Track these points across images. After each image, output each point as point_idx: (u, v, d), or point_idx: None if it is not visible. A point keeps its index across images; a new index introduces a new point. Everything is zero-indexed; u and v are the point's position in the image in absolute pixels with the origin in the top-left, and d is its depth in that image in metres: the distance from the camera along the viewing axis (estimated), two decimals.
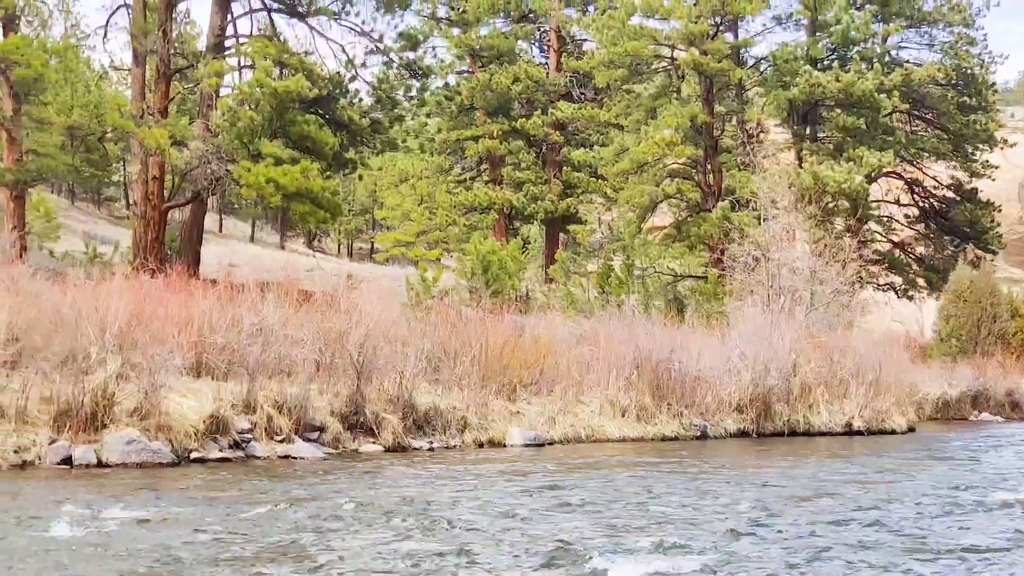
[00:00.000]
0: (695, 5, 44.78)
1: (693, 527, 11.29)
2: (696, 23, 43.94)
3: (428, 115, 57.59)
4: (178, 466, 15.43)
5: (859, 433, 25.91)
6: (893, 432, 26.80)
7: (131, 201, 45.57)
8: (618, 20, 45.88)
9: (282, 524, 10.93)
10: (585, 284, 39.85)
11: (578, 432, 21.93)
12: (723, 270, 38.52)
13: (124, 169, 64.69)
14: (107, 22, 39.35)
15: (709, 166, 46.45)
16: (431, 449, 19.10)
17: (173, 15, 37.56)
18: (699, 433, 23.46)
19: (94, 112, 36.25)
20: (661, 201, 48.08)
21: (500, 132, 55.69)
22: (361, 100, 40.66)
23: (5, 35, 33.71)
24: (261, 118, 34.44)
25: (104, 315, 16.73)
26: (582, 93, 54.53)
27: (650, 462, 18.30)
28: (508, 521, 11.54)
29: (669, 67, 47.88)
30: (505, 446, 20.35)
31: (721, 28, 46.53)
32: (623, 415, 22.88)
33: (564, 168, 55.56)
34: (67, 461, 14.86)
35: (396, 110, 43.55)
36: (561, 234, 56.74)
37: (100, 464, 14.97)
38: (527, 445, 20.42)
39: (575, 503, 12.98)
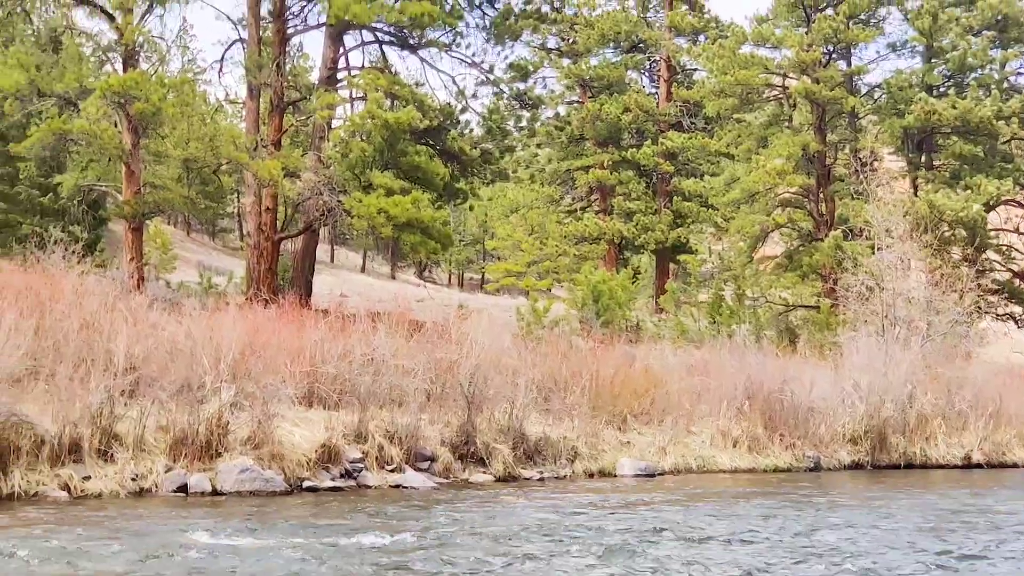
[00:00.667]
0: (807, 33, 44.40)
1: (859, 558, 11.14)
2: (808, 51, 43.52)
3: (538, 145, 57.71)
4: (290, 495, 15.55)
5: (978, 466, 25.32)
6: (1015, 466, 26.14)
7: (245, 232, 46.25)
8: (728, 49, 45.62)
9: (404, 551, 10.95)
10: (696, 314, 39.54)
11: (689, 463, 21.73)
12: (836, 300, 37.96)
13: (238, 200, 65.57)
14: (222, 57, 40.05)
15: (821, 195, 45.88)
16: (541, 479, 19.05)
17: (287, 49, 38.06)
18: (812, 464, 23.09)
19: (209, 145, 36.68)
20: (772, 230, 47.52)
21: (610, 162, 55.56)
22: (472, 131, 40.88)
23: (125, 71, 34.34)
24: (372, 149, 34.71)
25: (218, 345, 16.96)
26: (692, 122, 54.28)
27: (770, 492, 18.09)
28: (660, 549, 11.45)
29: (780, 95, 47.49)
30: (615, 476, 20.23)
31: (834, 56, 46.04)
32: (734, 446, 22.63)
33: (674, 198, 55.23)
34: (183, 489, 15.05)
35: (506, 140, 43.68)
36: (671, 264, 56.41)
37: (215, 492, 15.14)
38: (638, 475, 20.28)
39: (716, 534, 12.86)
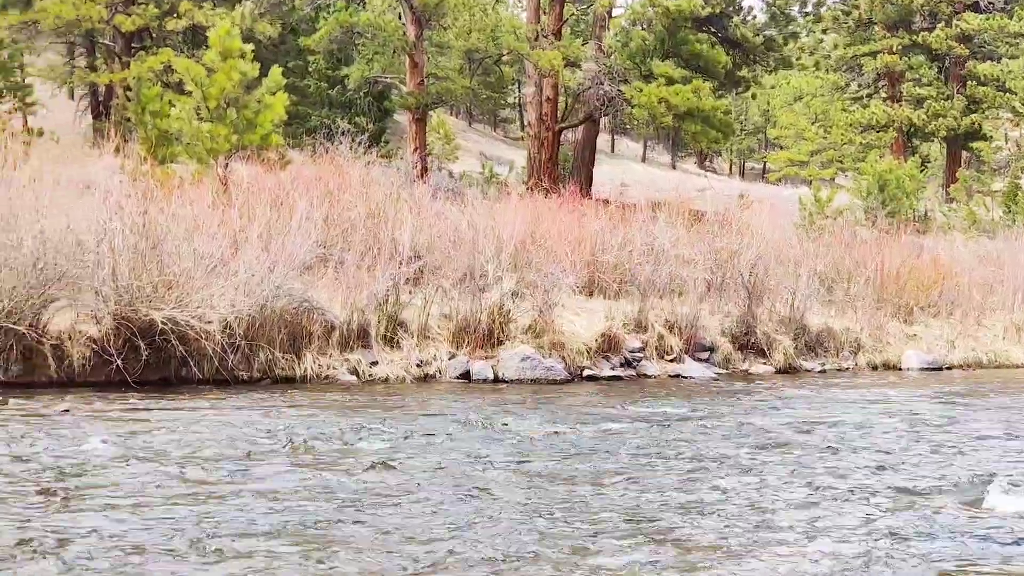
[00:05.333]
0: None
1: None
2: None
3: (824, 31, 55.93)
4: (571, 383, 15.68)
5: None
6: None
7: (525, 122, 46.54)
8: None
9: (690, 439, 10.92)
10: (989, 204, 37.90)
11: (979, 357, 21.00)
12: None
13: (519, 91, 66.05)
14: None
15: None
16: (823, 371, 18.74)
17: None
18: None
19: (491, 36, 37.06)
20: None
21: (900, 47, 53.41)
22: (755, 17, 39.93)
23: None
24: (653, 38, 34.41)
25: (500, 234, 17.15)
26: (990, 3, 51.62)
27: None
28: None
29: None
30: (900, 369, 19.74)
31: None
32: None
33: (968, 82, 52.82)
34: (465, 376, 15.37)
35: (791, 26, 42.56)
36: (963, 152, 54.15)
37: (496, 379, 15.40)
38: (924, 368, 19.73)
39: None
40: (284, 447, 9.88)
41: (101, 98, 37.57)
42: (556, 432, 11.24)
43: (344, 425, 11.02)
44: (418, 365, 15.28)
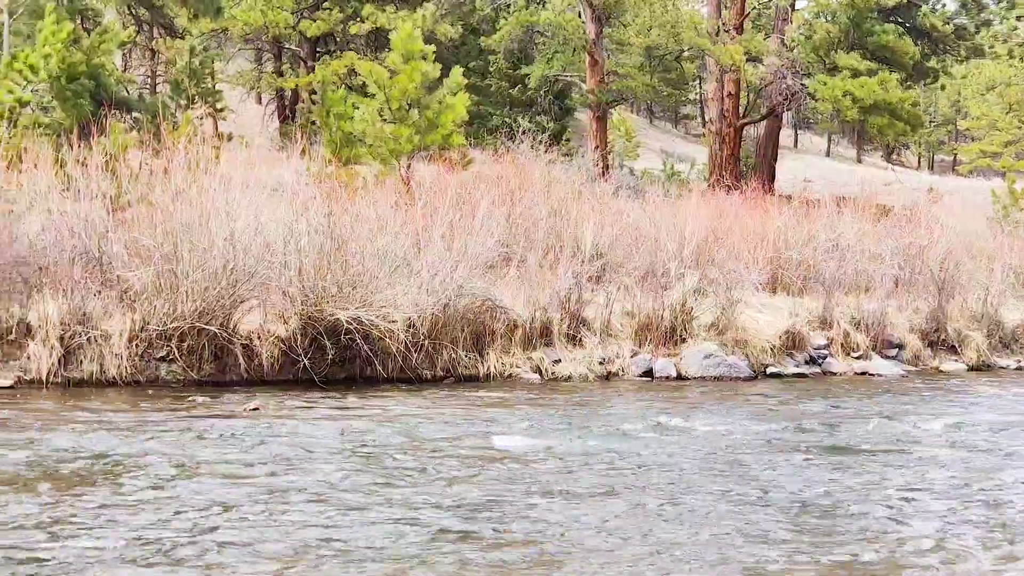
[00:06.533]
0: None
1: None
2: None
3: (1018, 18, 54.25)
4: (754, 380, 15.50)
5: None
6: None
7: (707, 119, 46.17)
8: None
9: (875, 437, 10.73)
10: None
11: None
12: None
13: (700, 87, 65.53)
14: None
15: None
16: (1019, 368, 18.15)
17: None
18: None
19: (671, 31, 36.78)
20: None
21: None
22: (944, 5, 38.94)
23: None
24: (838, 30, 33.83)
25: (682, 231, 17.06)
26: None
27: None
28: None
29: None
30: None
31: None
32: None
33: None
34: (648, 373, 15.30)
35: (983, 14, 41.36)
36: None
37: (679, 377, 15.30)
38: None
39: None
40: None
41: (287, 102, 38.46)
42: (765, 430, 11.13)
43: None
44: (601, 363, 15.25)
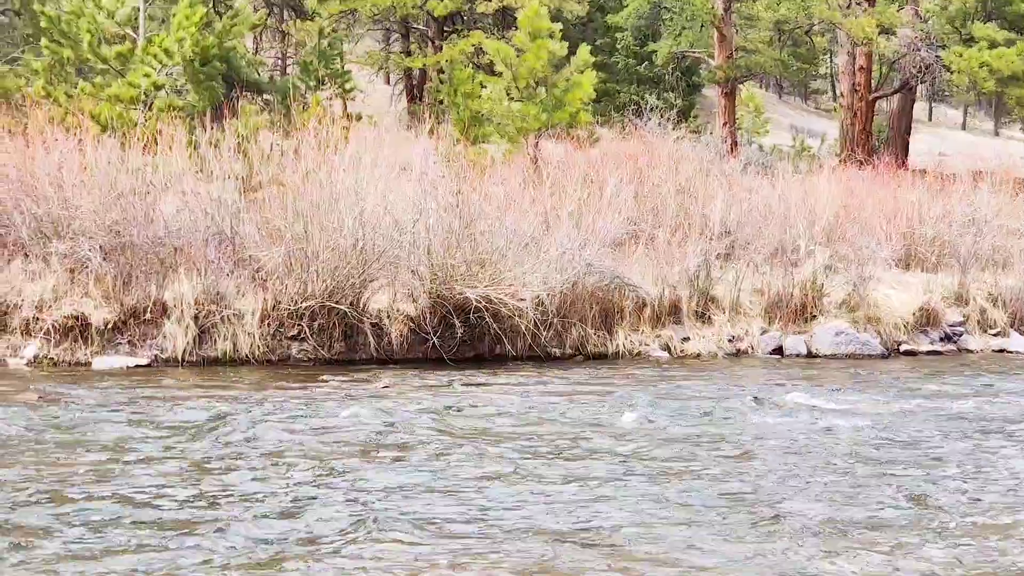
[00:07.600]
0: None
1: None
2: None
3: None
4: (887, 358, 15.27)
5: None
6: None
7: (838, 93, 45.49)
8: None
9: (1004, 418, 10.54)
10: None
11: None
12: None
13: (831, 61, 64.55)
14: None
15: None
16: None
17: None
18: None
19: (801, 5, 36.23)
20: None
21: None
22: None
23: None
24: (974, 0, 33.05)
25: (812, 208, 16.88)
26: None
27: None
28: None
29: None
30: None
31: None
32: None
33: None
34: (778, 351, 15.18)
35: None
36: None
37: (809, 354, 15.15)
38: None
39: None
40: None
41: (415, 82, 38.67)
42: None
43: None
44: (730, 340, 15.17)
